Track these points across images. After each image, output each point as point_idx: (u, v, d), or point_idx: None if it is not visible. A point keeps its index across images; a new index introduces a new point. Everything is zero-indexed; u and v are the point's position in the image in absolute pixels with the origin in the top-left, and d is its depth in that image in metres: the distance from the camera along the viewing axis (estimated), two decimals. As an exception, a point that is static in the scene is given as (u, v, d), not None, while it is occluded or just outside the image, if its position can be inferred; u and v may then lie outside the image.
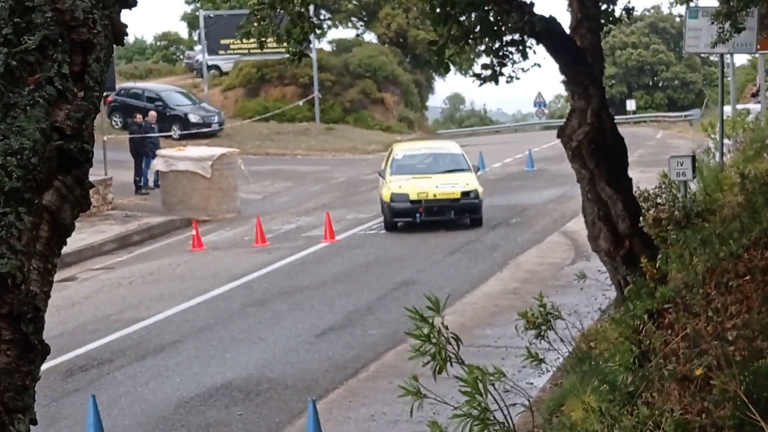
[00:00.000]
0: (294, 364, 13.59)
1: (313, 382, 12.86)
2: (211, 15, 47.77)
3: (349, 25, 54.49)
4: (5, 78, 3.04)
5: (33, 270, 2.95)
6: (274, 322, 15.76)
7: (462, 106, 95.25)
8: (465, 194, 22.85)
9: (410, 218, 22.67)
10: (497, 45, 12.01)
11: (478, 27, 11.56)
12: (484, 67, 12.77)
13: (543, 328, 8.45)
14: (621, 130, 13.11)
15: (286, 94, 47.98)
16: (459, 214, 22.85)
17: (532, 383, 11.48)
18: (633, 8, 12.99)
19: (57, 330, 15.29)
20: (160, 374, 13.41)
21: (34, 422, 2.89)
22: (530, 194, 27.60)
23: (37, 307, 2.93)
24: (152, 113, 31.25)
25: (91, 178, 3.41)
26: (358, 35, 55.39)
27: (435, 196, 22.82)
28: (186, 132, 38.09)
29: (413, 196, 22.72)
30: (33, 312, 2.90)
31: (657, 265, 9.88)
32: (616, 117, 14.78)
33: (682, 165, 15.69)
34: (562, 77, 12.33)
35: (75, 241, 21.66)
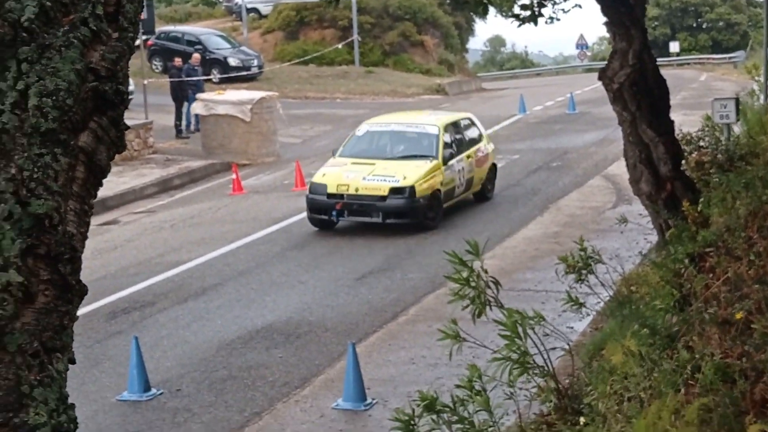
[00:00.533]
0: (334, 308, 13.66)
1: (353, 325, 12.93)
2: (251, -42, 47.56)
3: (389, -33, 54.00)
4: (40, 19, 3.02)
5: (70, 211, 2.96)
6: (314, 266, 15.81)
7: (503, 49, 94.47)
8: (395, 191, 17.57)
9: (326, 216, 17.91)
10: (538, -15, 11.87)
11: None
12: (524, 7, 12.63)
13: (583, 272, 8.43)
14: (664, 72, 12.94)
15: (326, 37, 47.77)
16: (388, 217, 17.62)
17: (572, 327, 11.47)
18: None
19: (100, 273, 15.44)
20: (201, 317, 13.53)
21: (72, 361, 2.91)
22: (571, 137, 27.40)
23: (74, 248, 2.94)
24: (196, 56, 31.17)
25: (132, 122, 3.41)
26: (398, -23, 54.90)
27: (357, 190, 17.66)
28: (225, 76, 38.08)
29: (332, 189, 17.75)
30: (70, 252, 2.91)
31: (699, 208, 9.80)
32: (659, 59, 14.60)
33: (725, 108, 15.48)
34: (604, 19, 12.17)
35: (117, 185, 21.81)
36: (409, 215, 17.62)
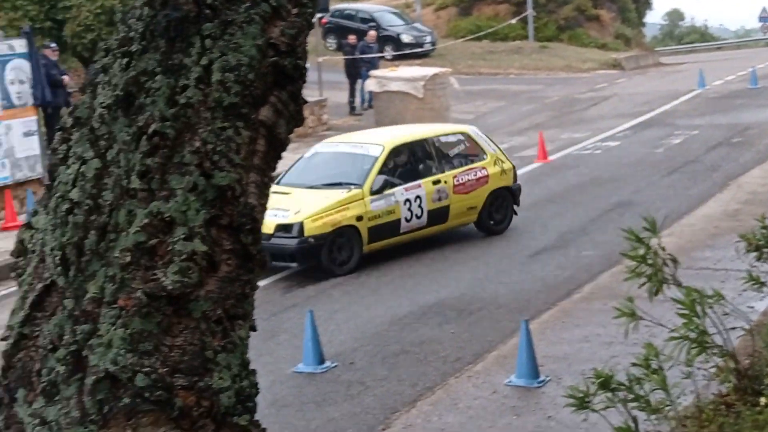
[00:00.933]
0: (506, 284, 13.62)
1: (526, 302, 12.86)
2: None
3: (564, -60, 53.23)
4: (223, -5, 3.10)
5: (251, 183, 3.04)
6: (486, 242, 15.79)
7: (681, 23, 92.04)
8: (282, 229, 14.48)
9: None
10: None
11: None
12: (706, -22, 12.23)
13: (765, 250, 8.17)
14: None
15: (499, 13, 47.46)
16: (276, 259, 14.13)
17: (752, 307, 11.14)
18: None
19: (276, 247, 15.74)
20: (374, 292, 13.69)
21: (253, 329, 2.99)
22: (753, 113, 26.50)
23: (255, 219, 3.02)
24: (371, 33, 31.41)
25: (307, 99, 3.47)
26: (573, -49, 54.05)
27: None
28: (399, 53, 38.30)
29: None
30: (251, 223, 3.00)
31: None
32: None
33: None
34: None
35: (293, 161, 22.19)
36: (297, 258, 14.51)
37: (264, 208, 3.12)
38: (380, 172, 15.40)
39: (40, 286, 2.97)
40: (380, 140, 16.16)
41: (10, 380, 2.91)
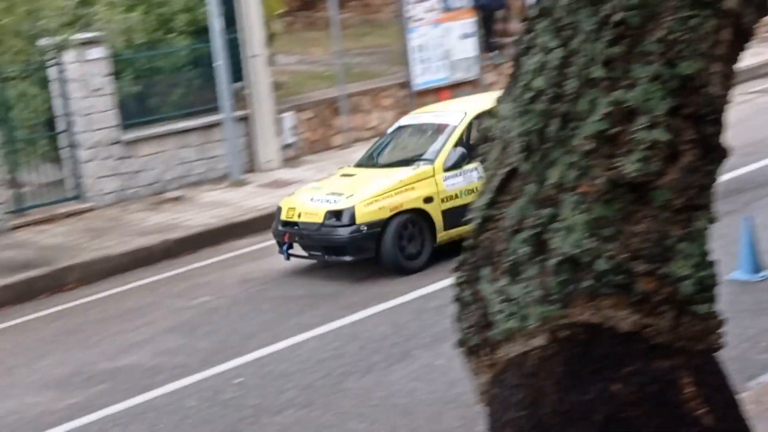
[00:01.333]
0: None
1: None
2: None
3: None
4: None
5: (715, 73, 2.97)
6: None
7: None
8: (332, 216, 12.29)
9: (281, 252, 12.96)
10: None
11: None
12: None
13: None
14: None
15: None
16: (328, 253, 12.45)
17: None
18: None
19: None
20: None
21: (713, 220, 2.96)
22: None
23: (718, 110, 2.96)
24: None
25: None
26: None
27: (300, 216, 12.62)
28: None
29: (284, 215, 12.84)
30: (714, 114, 2.94)
31: None
32: None
33: None
34: None
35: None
36: (349, 250, 12.18)
37: (726, 100, 3.05)
38: (458, 144, 12.73)
39: (503, 171, 3.09)
40: (462, 108, 13.48)
41: (477, 258, 3.07)
